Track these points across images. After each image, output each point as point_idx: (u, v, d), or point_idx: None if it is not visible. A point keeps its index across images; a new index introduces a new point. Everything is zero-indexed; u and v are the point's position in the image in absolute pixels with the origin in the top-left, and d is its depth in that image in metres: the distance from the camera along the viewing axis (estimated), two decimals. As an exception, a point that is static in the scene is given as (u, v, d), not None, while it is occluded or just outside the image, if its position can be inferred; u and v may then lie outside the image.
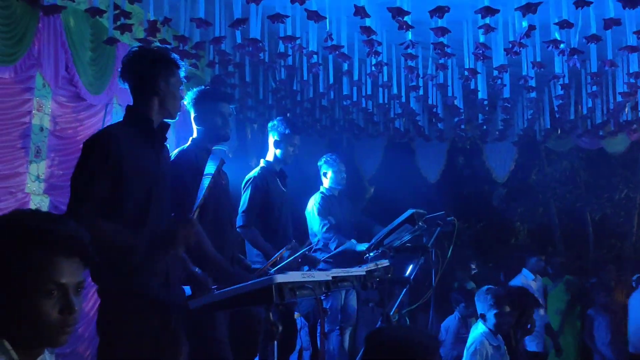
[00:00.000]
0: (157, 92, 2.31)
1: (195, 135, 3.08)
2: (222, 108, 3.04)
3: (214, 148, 3.06)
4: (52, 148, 3.93)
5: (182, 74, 2.41)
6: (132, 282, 2.11)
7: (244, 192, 3.86)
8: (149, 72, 2.31)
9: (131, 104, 2.37)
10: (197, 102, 3.06)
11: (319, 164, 4.98)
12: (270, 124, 4.06)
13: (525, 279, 6.40)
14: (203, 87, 3.19)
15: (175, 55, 2.40)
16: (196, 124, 3.07)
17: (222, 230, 2.91)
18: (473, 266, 8.16)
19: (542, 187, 10.09)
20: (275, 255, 3.36)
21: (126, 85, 2.38)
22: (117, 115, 4.37)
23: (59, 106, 4.01)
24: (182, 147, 3.07)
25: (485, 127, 6.99)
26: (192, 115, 3.08)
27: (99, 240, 1.75)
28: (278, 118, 4.12)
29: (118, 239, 2.09)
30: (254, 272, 3.11)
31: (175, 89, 2.36)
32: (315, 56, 4.60)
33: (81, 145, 2.22)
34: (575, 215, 10.04)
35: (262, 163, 4.01)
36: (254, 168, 4.10)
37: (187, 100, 3.05)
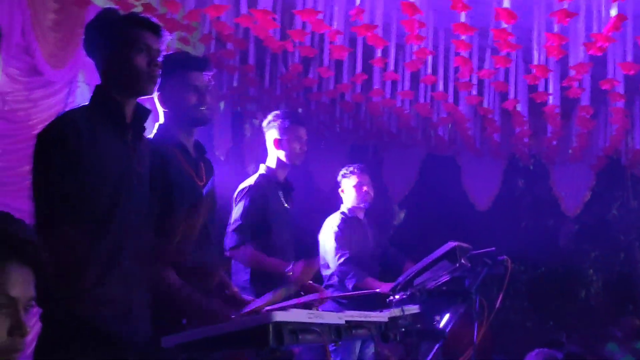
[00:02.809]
0: (130, 67, 2.33)
1: (161, 120, 2.93)
2: (196, 79, 2.85)
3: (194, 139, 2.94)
4: (-2, 134, 4.00)
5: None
6: (82, 307, 2.14)
7: (236, 204, 3.87)
8: (119, 42, 2.34)
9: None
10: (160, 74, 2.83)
11: (338, 178, 5.01)
12: (265, 121, 4.05)
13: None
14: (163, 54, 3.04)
15: (154, 21, 2.43)
16: (161, 105, 2.91)
17: (198, 250, 2.86)
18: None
19: (624, 226, 10.03)
20: (271, 294, 3.35)
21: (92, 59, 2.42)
22: (82, 97, 4.42)
23: (9, 81, 4.08)
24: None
25: (555, 142, 6.99)
26: (155, 93, 2.83)
27: (60, 253, 1.79)
28: (274, 112, 4.10)
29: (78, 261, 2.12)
30: (239, 306, 3.09)
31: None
32: (340, 37, 4.65)
33: (34, 133, 2.26)
34: (667, 266, 9.95)
35: (261, 169, 4.02)
36: (250, 175, 4.13)
37: None
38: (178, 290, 2.50)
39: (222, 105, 6.74)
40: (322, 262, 4.81)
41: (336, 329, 2.23)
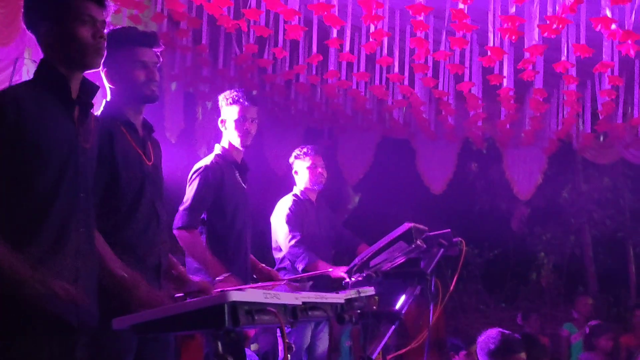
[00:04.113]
0: (75, 39, 2.27)
1: (108, 96, 2.87)
2: (144, 55, 2.79)
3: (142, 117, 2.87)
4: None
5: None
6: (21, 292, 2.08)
7: (190, 184, 3.82)
8: (61, 14, 2.27)
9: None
10: (106, 50, 2.68)
11: (290, 160, 4.99)
12: (219, 99, 4.00)
13: None
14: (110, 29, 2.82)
15: None
16: (108, 81, 2.84)
17: (146, 230, 2.81)
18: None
19: (575, 209, 10.25)
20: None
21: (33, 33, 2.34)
22: (28, 74, 4.32)
23: (-49, 58, 3.96)
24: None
25: (508, 126, 7.07)
26: (101, 69, 2.78)
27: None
28: (227, 91, 4.02)
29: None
30: (184, 286, 3.05)
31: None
32: (295, 17, 4.61)
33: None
34: (615, 248, 10.21)
35: (216, 149, 3.97)
36: (203, 158, 4.07)
37: None
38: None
39: (174, 86, 6.64)
40: (274, 245, 4.80)
41: (292, 310, 2.20)
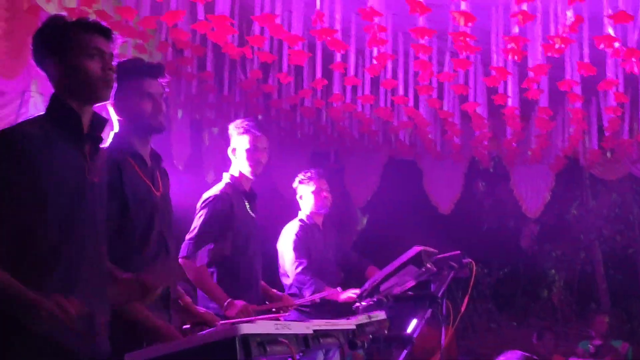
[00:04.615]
0: (84, 73, 2.28)
1: (116, 128, 2.88)
2: (150, 86, 2.82)
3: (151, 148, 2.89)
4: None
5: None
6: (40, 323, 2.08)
7: (198, 213, 3.83)
8: (69, 49, 2.29)
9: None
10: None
11: (294, 185, 4.99)
12: (230, 128, 4.03)
13: None
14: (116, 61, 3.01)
15: (103, 24, 2.38)
16: (116, 113, 2.87)
17: (155, 260, 2.81)
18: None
19: (584, 225, 10.21)
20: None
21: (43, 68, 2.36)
22: (36, 107, 4.34)
23: (-41, 92, 3.99)
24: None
25: (515, 144, 7.07)
26: (110, 102, 2.81)
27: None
28: (238, 120, 4.07)
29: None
30: (191, 318, 3.05)
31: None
32: (299, 42, 4.64)
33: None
34: (626, 264, 10.15)
35: (225, 178, 3.98)
36: (210, 185, 4.08)
37: None
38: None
39: (180, 113, 6.68)
40: (281, 271, 4.80)
41: (304, 339, 2.20)
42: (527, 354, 3.89)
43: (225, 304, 3.59)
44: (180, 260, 3.71)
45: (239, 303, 3.59)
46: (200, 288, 3.76)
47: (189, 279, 3.77)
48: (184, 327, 2.97)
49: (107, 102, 2.39)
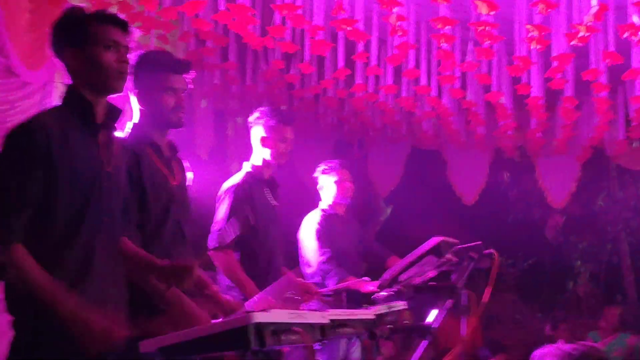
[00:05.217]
0: (99, 64, 2.30)
1: (136, 118, 2.93)
2: (175, 81, 2.85)
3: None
4: (-28, 137, 3.95)
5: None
6: (54, 315, 2.11)
7: (220, 204, 3.85)
8: (85, 40, 2.31)
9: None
10: (138, 73, 2.83)
11: (315, 174, 4.98)
12: (251, 118, 4.02)
13: None
14: (143, 51, 2.96)
15: (120, 16, 2.39)
16: (138, 103, 2.91)
17: (172, 249, 2.83)
18: None
19: (611, 217, 10.08)
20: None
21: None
22: (60, 97, 4.38)
23: (-16, 83, 4.04)
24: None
25: (539, 134, 7.01)
26: (132, 90, 2.89)
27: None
28: (260, 108, 4.07)
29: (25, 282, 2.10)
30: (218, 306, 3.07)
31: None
32: (320, 32, 4.63)
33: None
34: (654, 256, 10.02)
35: (246, 167, 4.00)
36: (234, 173, 4.10)
37: None
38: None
39: (204, 103, 6.70)
40: (302, 260, 4.79)
41: (320, 328, 2.20)
42: (567, 349, 3.84)
43: (256, 298, 3.59)
44: (209, 252, 3.74)
45: (264, 300, 3.59)
46: (230, 279, 3.76)
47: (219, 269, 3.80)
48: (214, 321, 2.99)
49: (121, 93, 2.41)
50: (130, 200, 2.54)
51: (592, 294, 10.29)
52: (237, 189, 3.84)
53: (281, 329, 1.91)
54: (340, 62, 5.24)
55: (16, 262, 2.09)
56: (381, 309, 3.01)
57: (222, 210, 3.82)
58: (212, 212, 3.90)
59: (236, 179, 3.92)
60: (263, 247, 3.87)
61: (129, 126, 2.92)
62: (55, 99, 4.41)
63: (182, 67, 2.92)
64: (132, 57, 2.77)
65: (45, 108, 2.55)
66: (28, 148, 2.16)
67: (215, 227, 3.80)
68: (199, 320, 2.59)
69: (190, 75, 2.94)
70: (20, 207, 2.12)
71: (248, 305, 3.50)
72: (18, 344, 2.18)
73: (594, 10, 4.09)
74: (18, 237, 2.10)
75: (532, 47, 4.69)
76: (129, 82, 2.79)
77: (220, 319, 2.89)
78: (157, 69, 2.85)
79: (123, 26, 2.36)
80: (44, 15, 4.23)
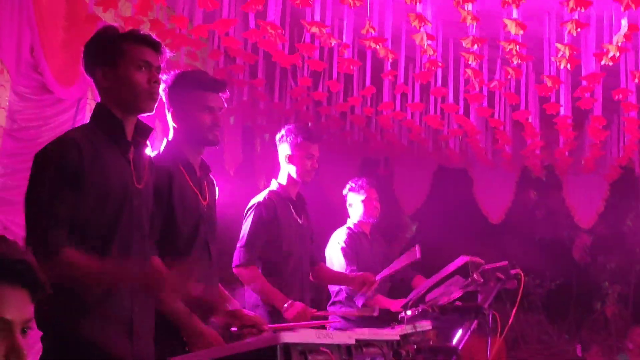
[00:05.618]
0: (130, 84, 2.32)
1: (171, 136, 2.95)
2: (212, 100, 2.87)
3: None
4: (6, 152, 4.00)
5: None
6: (85, 327, 2.13)
7: (245, 220, 3.86)
8: (117, 59, 2.33)
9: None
10: (175, 91, 2.87)
11: (343, 192, 4.99)
12: (278, 135, 4.03)
13: None
14: (180, 71, 2.99)
15: (153, 37, 2.42)
16: (174, 121, 2.92)
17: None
18: None
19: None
20: None
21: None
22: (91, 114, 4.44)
23: (19, 99, 4.08)
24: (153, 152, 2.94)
25: (567, 153, 6.95)
26: (168, 109, 2.92)
27: (63, 275, 1.79)
28: (287, 126, 4.08)
29: (88, 275, 2.12)
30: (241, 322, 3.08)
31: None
32: (348, 50, 4.64)
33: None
34: (684, 277, 9.84)
35: (272, 185, 4.01)
36: (262, 191, 4.11)
37: (161, 87, 2.62)
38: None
39: (232, 119, 6.75)
40: None
41: (346, 349, 2.20)
42: None
43: (286, 305, 3.61)
44: (234, 269, 3.75)
45: (299, 305, 3.61)
46: (257, 293, 3.77)
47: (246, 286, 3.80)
48: (232, 329, 2.99)
49: (151, 113, 2.42)
50: (155, 217, 2.55)
51: (620, 315, 10.13)
52: (259, 206, 3.85)
53: (309, 349, 1.90)
54: (368, 80, 5.25)
55: (72, 261, 2.10)
56: (406, 328, 3.00)
57: (246, 227, 3.83)
58: (238, 228, 3.92)
59: (261, 196, 3.93)
60: (285, 265, 3.86)
61: (163, 144, 2.95)
62: (88, 115, 4.47)
63: (218, 86, 2.94)
64: (168, 76, 2.82)
65: (77, 125, 2.59)
66: (61, 164, 2.18)
67: (239, 244, 3.82)
68: (212, 340, 2.59)
69: (225, 95, 2.97)
70: (55, 223, 2.14)
71: (289, 312, 3.51)
72: (46, 357, 2.20)
73: (624, 30, 4.06)
74: (64, 243, 2.11)
75: (561, 67, 4.66)
76: (165, 101, 2.84)
77: (234, 329, 2.91)
78: (194, 88, 2.87)
79: (155, 47, 2.38)
80: (78, 33, 4.29)
